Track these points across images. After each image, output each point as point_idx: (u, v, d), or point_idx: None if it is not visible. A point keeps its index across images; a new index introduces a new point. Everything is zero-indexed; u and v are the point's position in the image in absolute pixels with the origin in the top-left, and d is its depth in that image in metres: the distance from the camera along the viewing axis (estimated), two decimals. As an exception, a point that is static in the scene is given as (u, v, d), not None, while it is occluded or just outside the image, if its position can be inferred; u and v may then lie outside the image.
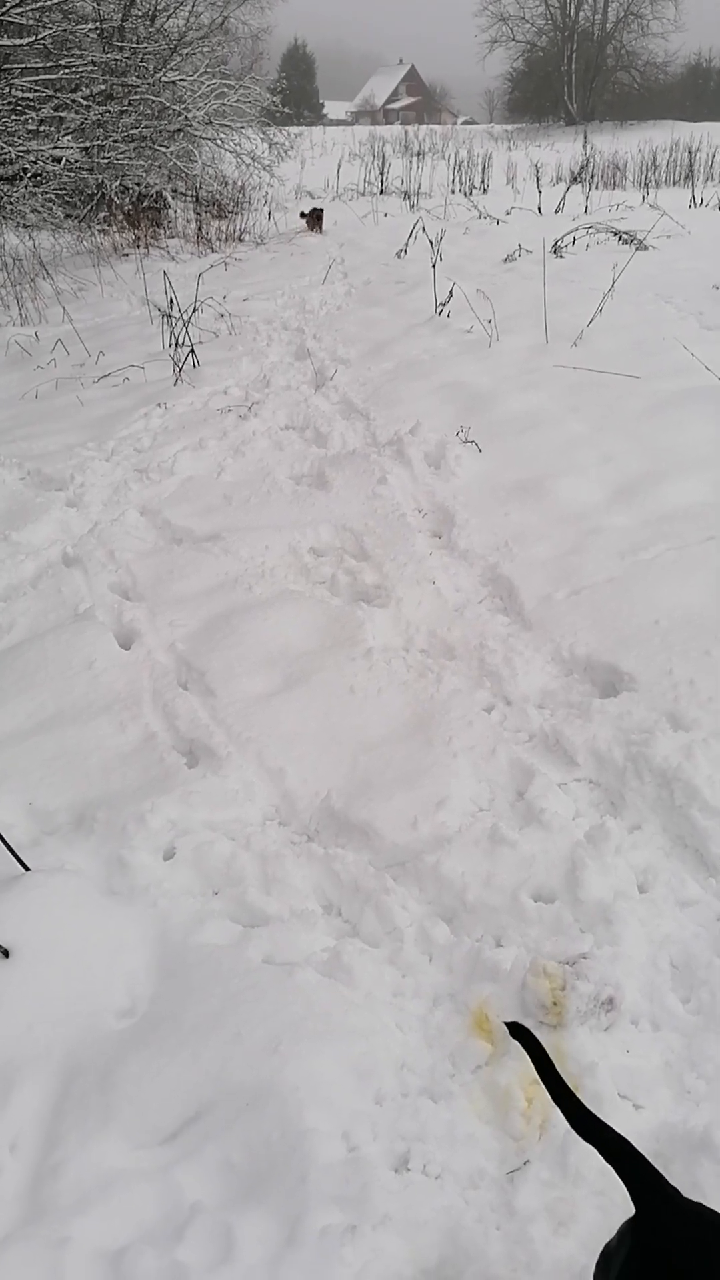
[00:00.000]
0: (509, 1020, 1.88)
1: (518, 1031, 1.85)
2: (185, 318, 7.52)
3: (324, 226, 14.69)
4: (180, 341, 7.41)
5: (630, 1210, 1.61)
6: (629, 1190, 1.61)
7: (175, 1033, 2.28)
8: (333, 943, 2.60)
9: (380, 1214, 1.93)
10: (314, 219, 14.60)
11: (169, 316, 7.60)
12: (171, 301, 7.63)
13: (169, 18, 14.14)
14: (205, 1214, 1.93)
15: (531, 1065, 2.24)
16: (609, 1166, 2.01)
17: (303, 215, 14.85)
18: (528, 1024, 2.33)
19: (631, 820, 2.95)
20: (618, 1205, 1.98)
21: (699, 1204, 1.60)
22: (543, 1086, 2.21)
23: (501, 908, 2.64)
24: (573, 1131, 2.08)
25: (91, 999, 2.38)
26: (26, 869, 2.73)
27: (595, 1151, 2.04)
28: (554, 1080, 1.76)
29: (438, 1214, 1.97)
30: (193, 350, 7.43)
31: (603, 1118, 2.10)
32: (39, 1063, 2.22)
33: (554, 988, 2.34)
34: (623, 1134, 1.67)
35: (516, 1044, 2.30)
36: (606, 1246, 1.64)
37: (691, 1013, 2.38)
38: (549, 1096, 1.77)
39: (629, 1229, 1.60)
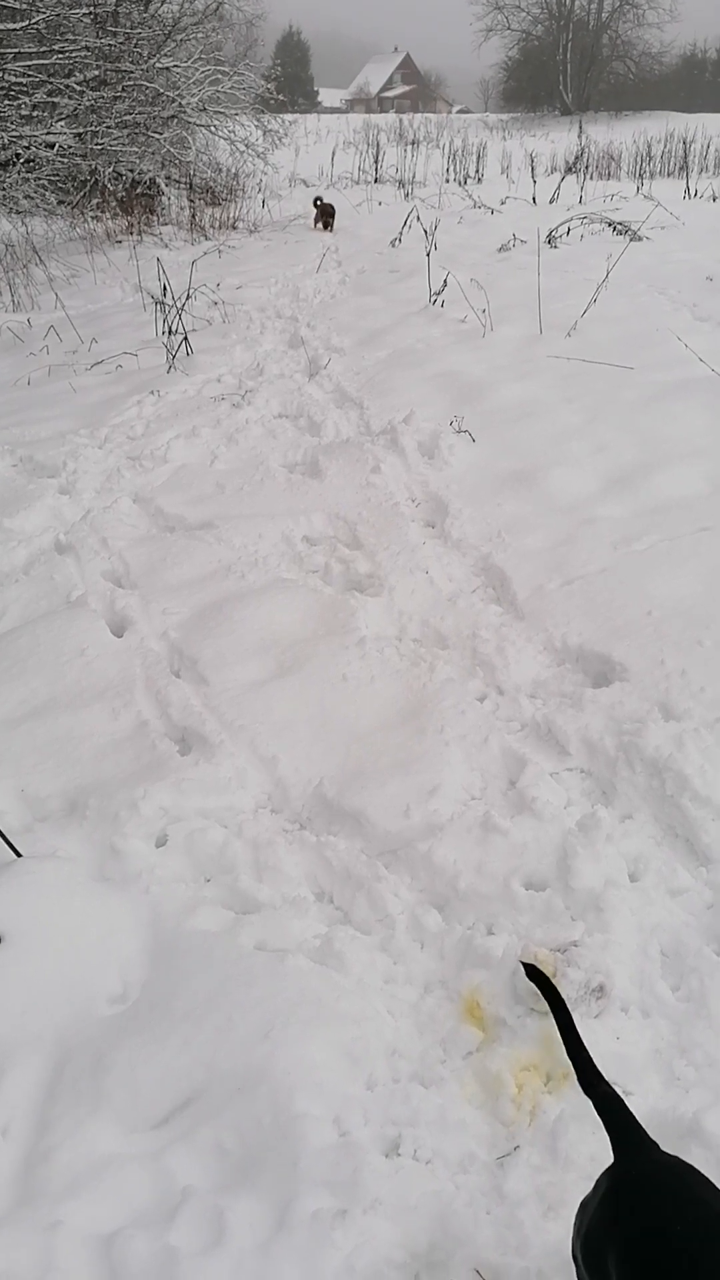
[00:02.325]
0: (526, 962, 1.93)
1: (534, 974, 1.88)
2: (178, 305, 7.49)
3: (332, 224, 13.57)
4: (173, 329, 7.38)
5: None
6: (611, 1140, 1.69)
7: (167, 1018, 2.29)
8: (325, 929, 2.61)
9: (371, 1198, 1.94)
10: (324, 215, 13.58)
11: (162, 304, 7.57)
12: (165, 289, 7.60)
13: (163, 3, 14.06)
14: (197, 1198, 1.94)
15: (523, 1051, 2.27)
16: (599, 1152, 2.04)
17: (317, 203, 13.71)
18: (519, 1011, 2.35)
19: (623, 809, 2.96)
20: (607, 1190, 2.00)
21: (674, 1157, 1.66)
22: (533, 1073, 2.23)
23: (493, 895, 2.65)
24: (562, 1117, 2.11)
25: (84, 985, 2.39)
26: (19, 855, 2.73)
27: (584, 1137, 2.07)
28: (567, 1028, 1.81)
29: (428, 1198, 1.98)
30: (186, 338, 7.40)
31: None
32: (31, 1047, 2.22)
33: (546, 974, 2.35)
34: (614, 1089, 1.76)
35: (508, 1030, 2.32)
36: (584, 1198, 1.70)
37: (681, 1000, 2.39)
38: (553, 1059, 1.83)
39: (605, 1176, 1.66)
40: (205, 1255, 1.84)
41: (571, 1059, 1.82)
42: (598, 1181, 1.68)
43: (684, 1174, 1.60)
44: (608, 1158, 2.02)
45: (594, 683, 3.52)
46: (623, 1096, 1.78)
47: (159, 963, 2.47)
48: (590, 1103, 1.79)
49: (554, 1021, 1.87)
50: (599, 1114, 1.74)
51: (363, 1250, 1.86)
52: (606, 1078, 1.81)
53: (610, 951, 2.44)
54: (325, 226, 13.46)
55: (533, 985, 2.34)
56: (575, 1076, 1.82)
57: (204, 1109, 2.11)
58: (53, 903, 2.54)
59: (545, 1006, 2.31)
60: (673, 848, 2.84)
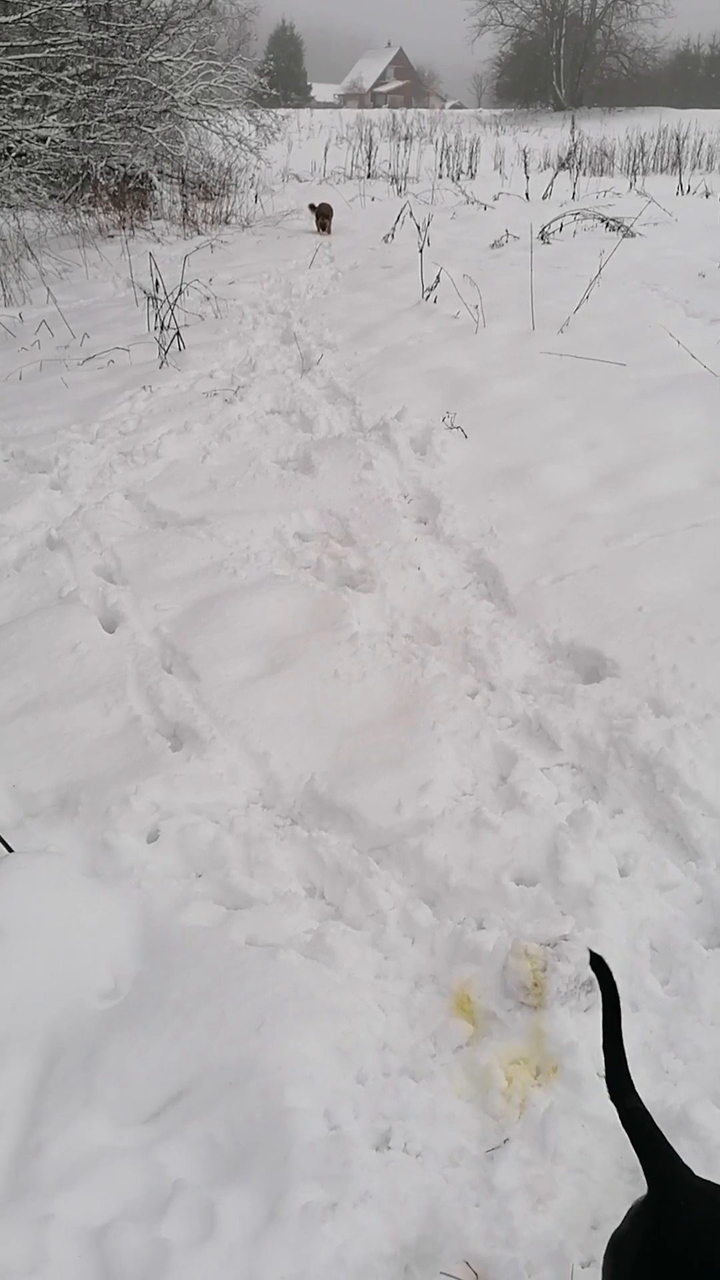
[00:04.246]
0: (593, 952, 1.84)
1: (597, 965, 1.81)
2: (171, 300, 7.48)
3: (330, 225, 13.00)
4: (166, 324, 7.36)
5: (613, 1185, 1.62)
6: (642, 1164, 1.60)
7: (158, 1013, 2.29)
8: (316, 925, 2.62)
9: (361, 1191, 1.95)
10: (322, 217, 13.02)
11: (154, 299, 7.55)
12: (157, 284, 7.58)
13: (156, -3, 13.99)
14: (188, 1191, 1.94)
15: (512, 1045, 2.28)
16: (588, 1146, 2.05)
17: (311, 208, 13.29)
18: (508, 1005, 2.36)
19: (613, 804, 2.98)
20: (596, 1183, 2.01)
21: (711, 1184, 1.58)
22: (523, 1067, 2.24)
23: (484, 890, 2.66)
24: (552, 1111, 2.12)
25: (75, 980, 2.39)
26: (10, 850, 2.73)
27: (574, 1131, 2.08)
28: (613, 1030, 1.73)
29: (418, 1191, 1.99)
30: (178, 333, 7.39)
31: (582, 1098, 2.14)
32: (22, 1042, 2.23)
33: (535, 969, 2.36)
34: (644, 1106, 1.66)
35: (498, 1024, 2.33)
36: (615, 1233, 1.61)
37: (670, 994, 2.41)
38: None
39: (641, 1211, 1.57)
40: (196, 1248, 1.85)
41: (607, 1064, 1.71)
42: (634, 1216, 1.58)
43: None
44: (596, 1151, 2.04)
45: (585, 679, 3.53)
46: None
47: (150, 958, 2.48)
48: (614, 1110, 1.71)
49: (602, 1018, 1.76)
50: (625, 1129, 1.64)
51: (353, 1243, 1.87)
52: (596, 1073, 1.77)
53: (600, 946, 2.45)
54: (322, 229, 13.19)
55: (522, 979, 2.35)
56: (605, 1083, 1.71)
57: (195, 1103, 2.11)
58: (44, 898, 2.54)
59: (535, 1000, 2.33)
60: (663, 843, 2.85)
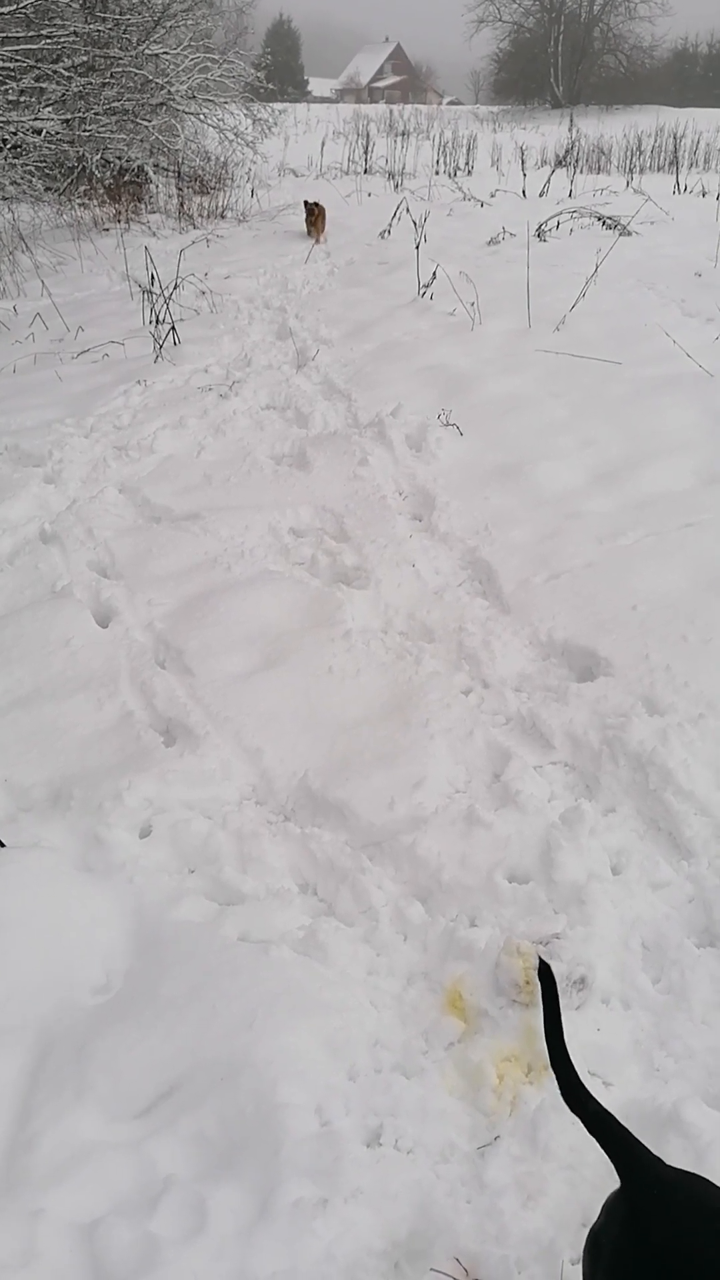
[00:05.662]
0: (542, 962, 1.85)
1: (545, 975, 1.83)
2: (166, 294, 7.46)
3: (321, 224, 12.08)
4: (161, 318, 7.34)
5: (603, 1182, 1.63)
6: (614, 1162, 1.62)
7: (150, 1008, 2.29)
8: (308, 921, 2.62)
9: (352, 1187, 1.96)
10: (316, 214, 12.18)
11: (150, 293, 7.53)
12: (152, 277, 7.56)
13: (153, -12, 13.92)
14: (179, 1186, 1.94)
15: (504, 1042, 2.29)
16: (579, 1143, 2.06)
17: (309, 207, 12.27)
18: (500, 1003, 2.36)
19: (606, 803, 2.98)
20: (586, 1180, 2.01)
21: (680, 1171, 1.61)
22: (514, 1064, 2.25)
23: (476, 888, 2.67)
24: (543, 1108, 2.12)
25: (66, 974, 2.39)
26: (2, 845, 2.73)
27: (564, 1128, 2.08)
28: (556, 1040, 1.76)
29: (409, 1187, 1.99)
30: (173, 327, 7.37)
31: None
32: (13, 1036, 2.22)
33: (527, 967, 2.36)
34: (606, 1107, 1.68)
35: (489, 1021, 2.34)
36: (593, 1229, 1.62)
37: (661, 992, 2.42)
38: (543, 1059, 1.74)
39: (616, 1203, 1.59)
40: (187, 1243, 1.85)
41: (558, 1076, 1.73)
42: (609, 1209, 1.60)
43: (701, 1187, 1.55)
44: (587, 1148, 2.04)
45: (579, 677, 3.54)
46: (601, 1086, 1.73)
47: (142, 953, 2.48)
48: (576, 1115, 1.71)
49: (544, 1031, 1.80)
50: (592, 1134, 1.66)
51: (343, 1239, 1.88)
52: (588, 1071, 1.77)
53: (592, 944, 2.46)
54: (316, 218, 12.72)
55: (514, 977, 2.35)
56: (561, 1095, 1.72)
57: (186, 1098, 2.11)
58: (35, 892, 2.54)
59: (527, 998, 2.33)
60: (655, 841, 2.86)
